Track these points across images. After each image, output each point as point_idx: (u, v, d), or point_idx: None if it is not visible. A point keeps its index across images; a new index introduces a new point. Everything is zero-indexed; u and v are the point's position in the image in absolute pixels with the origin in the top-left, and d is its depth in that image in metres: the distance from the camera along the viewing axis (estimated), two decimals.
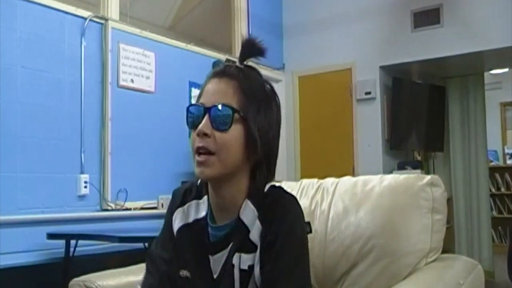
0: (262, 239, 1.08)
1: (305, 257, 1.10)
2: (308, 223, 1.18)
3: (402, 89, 5.41)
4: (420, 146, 5.71)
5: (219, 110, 1.08)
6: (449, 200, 5.57)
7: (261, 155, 1.12)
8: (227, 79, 1.11)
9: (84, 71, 3.59)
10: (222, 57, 4.74)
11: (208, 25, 5.14)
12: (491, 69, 6.39)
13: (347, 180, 1.62)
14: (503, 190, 7.90)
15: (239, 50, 1.18)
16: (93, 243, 3.29)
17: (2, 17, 3.16)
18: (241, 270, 1.10)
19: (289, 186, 1.70)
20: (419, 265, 1.42)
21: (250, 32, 5.23)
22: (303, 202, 1.58)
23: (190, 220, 1.22)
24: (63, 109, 3.47)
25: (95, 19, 3.70)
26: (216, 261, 1.14)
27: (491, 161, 7.78)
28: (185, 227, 1.22)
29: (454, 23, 4.85)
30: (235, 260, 1.11)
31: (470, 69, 5.70)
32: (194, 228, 1.20)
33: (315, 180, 1.68)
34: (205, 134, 1.08)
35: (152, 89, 4.04)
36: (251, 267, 1.09)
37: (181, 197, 1.26)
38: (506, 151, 8.35)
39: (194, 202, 1.24)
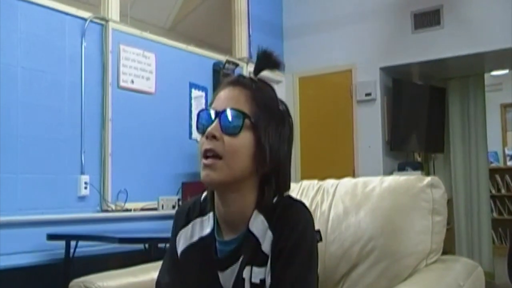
0: (273, 249, 1.06)
1: (314, 267, 1.08)
2: (318, 231, 1.16)
3: (403, 90, 5.42)
4: (420, 147, 5.71)
5: (230, 114, 1.06)
6: (450, 202, 5.57)
7: (270, 167, 1.09)
8: (240, 88, 1.11)
9: (84, 72, 3.59)
10: (223, 58, 4.74)
11: (208, 26, 5.14)
12: (491, 71, 6.40)
13: (347, 181, 1.62)
14: (503, 191, 7.90)
15: (255, 62, 1.18)
16: (93, 244, 3.29)
17: (3, 18, 3.17)
18: (252, 284, 1.07)
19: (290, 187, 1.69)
20: (420, 267, 1.42)
21: (250, 34, 5.24)
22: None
23: (195, 239, 1.18)
24: (64, 110, 3.47)
25: (95, 20, 3.71)
26: (227, 277, 1.11)
27: (492, 163, 7.78)
28: (189, 248, 1.18)
29: (454, 24, 4.85)
30: (245, 273, 1.08)
31: (471, 70, 5.71)
32: (199, 246, 1.17)
33: (315, 181, 1.68)
34: (214, 137, 1.06)
35: (152, 90, 4.04)
36: (263, 281, 1.06)
37: (185, 217, 1.23)
38: (507, 152, 8.35)
39: (198, 220, 1.20)
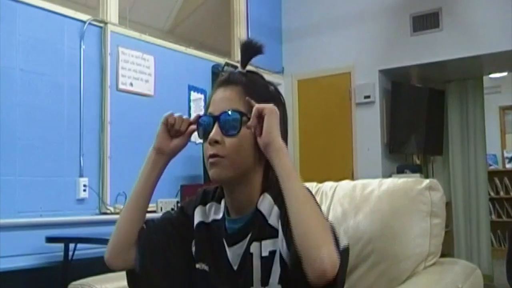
0: (281, 220, 1.09)
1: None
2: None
3: (401, 93, 5.42)
4: (419, 150, 5.72)
5: (227, 116, 1.12)
6: (448, 204, 5.57)
7: None
8: (232, 86, 1.16)
9: (83, 75, 3.59)
10: (222, 60, 4.74)
11: (207, 28, 5.15)
12: (490, 73, 6.41)
13: (346, 184, 1.62)
14: (502, 194, 7.90)
15: (240, 56, 1.23)
16: (92, 246, 3.28)
17: (2, 21, 3.17)
18: (262, 258, 1.11)
19: None
20: (418, 269, 1.43)
21: (249, 36, 5.24)
22: None
23: (209, 219, 1.25)
24: (62, 113, 3.47)
25: (94, 22, 3.71)
26: (235, 253, 1.16)
27: (490, 165, 7.79)
28: (203, 224, 1.25)
29: (453, 27, 4.86)
30: (253, 249, 1.12)
31: (469, 73, 5.72)
32: (212, 227, 1.24)
33: (314, 184, 1.68)
34: (216, 142, 1.12)
35: (151, 92, 4.05)
36: (272, 253, 1.10)
37: (201, 196, 1.30)
38: (505, 155, 8.36)
39: (214, 204, 1.27)
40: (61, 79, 3.48)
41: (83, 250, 3.25)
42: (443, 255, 1.54)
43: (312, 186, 1.67)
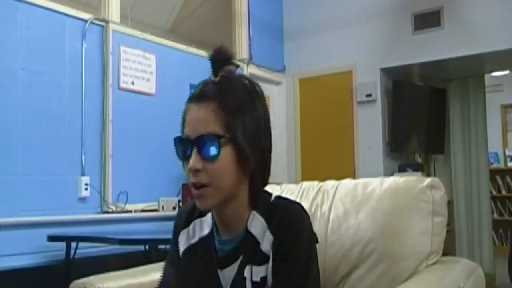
0: (274, 250, 1.09)
1: (315, 269, 1.12)
2: (315, 233, 1.18)
3: (403, 91, 5.42)
4: (420, 148, 5.71)
5: (205, 141, 1.07)
6: (450, 203, 5.57)
7: (255, 161, 1.11)
8: (205, 103, 1.10)
9: (84, 73, 3.59)
10: None
11: (208, 27, 5.14)
12: (491, 71, 6.39)
13: (347, 182, 1.62)
14: (504, 192, 7.89)
15: (210, 63, 1.17)
16: (94, 245, 3.29)
17: (3, 19, 3.17)
18: (253, 283, 1.11)
19: (290, 189, 1.70)
20: (419, 268, 1.42)
21: (250, 35, 5.24)
22: (304, 205, 1.58)
23: (196, 239, 1.23)
24: (64, 111, 3.47)
25: (95, 21, 3.71)
26: (226, 275, 1.14)
27: (492, 163, 7.77)
28: (190, 248, 1.22)
29: (454, 25, 4.85)
30: (246, 272, 1.11)
31: (471, 71, 5.71)
32: (199, 246, 1.21)
33: (316, 182, 1.68)
34: (197, 170, 1.08)
35: (152, 91, 4.05)
36: (264, 279, 1.10)
37: (185, 217, 1.27)
38: (507, 153, 8.34)
39: (198, 220, 1.25)
40: (62, 78, 3.48)
41: (85, 249, 3.26)
42: (444, 253, 1.54)
43: (314, 184, 1.67)
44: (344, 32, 5.39)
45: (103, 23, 3.77)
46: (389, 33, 5.18)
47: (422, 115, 5.59)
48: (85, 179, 3.52)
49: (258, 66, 5.30)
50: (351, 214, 1.49)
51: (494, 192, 7.62)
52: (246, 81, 1.17)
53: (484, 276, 1.57)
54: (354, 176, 4.96)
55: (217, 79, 1.14)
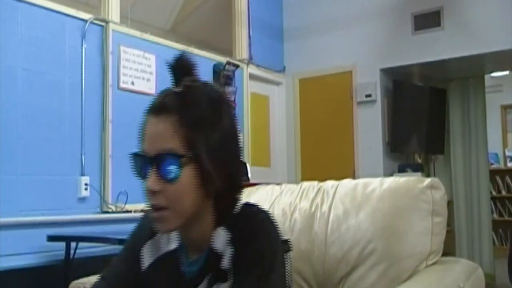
0: (234, 263, 1.02)
1: (275, 280, 1.02)
2: (287, 241, 1.14)
3: (403, 91, 5.42)
4: (420, 148, 5.71)
5: (163, 160, 0.98)
6: (450, 203, 5.56)
7: (220, 179, 1.02)
8: (164, 116, 0.99)
9: (84, 73, 3.59)
10: (223, 59, 4.74)
11: (209, 27, 5.14)
12: (491, 72, 6.40)
13: (347, 182, 1.62)
14: (503, 192, 7.89)
15: (170, 72, 1.06)
16: (94, 245, 3.29)
17: (3, 20, 3.17)
18: None
19: (290, 189, 1.70)
20: (419, 268, 1.42)
21: (250, 35, 5.24)
22: (304, 205, 1.58)
23: (161, 252, 1.13)
24: (64, 111, 3.47)
25: (95, 21, 3.71)
26: None
27: (492, 164, 7.77)
28: (157, 262, 1.13)
29: (454, 25, 4.85)
30: None
31: (471, 71, 5.71)
32: (166, 262, 1.12)
33: (315, 182, 1.68)
34: (155, 192, 0.99)
35: (152, 91, 4.05)
36: None
37: (150, 228, 1.13)
38: (507, 153, 8.35)
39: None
40: (62, 77, 3.48)
41: (85, 249, 3.26)
42: (444, 254, 1.54)
43: (314, 185, 1.67)
44: (344, 32, 5.39)
45: (103, 23, 3.77)
46: (389, 33, 5.18)
47: (422, 115, 5.59)
48: (85, 179, 3.52)
49: (258, 66, 5.30)
50: (351, 214, 1.49)
51: (494, 193, 7.62)
52: (211, 90, 1.05)
53: (484, 277, 1.57)
54: (354, 177, 4.96)
55: (179, 89, 1.02)
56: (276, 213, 1.60)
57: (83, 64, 3.59)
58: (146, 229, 1.15)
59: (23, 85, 3.25)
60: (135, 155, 1.04)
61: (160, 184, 0.98)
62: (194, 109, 1.00)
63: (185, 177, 0.98)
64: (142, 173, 1.02)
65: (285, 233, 1.55)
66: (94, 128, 3.64)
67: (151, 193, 0.99)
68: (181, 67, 1.05)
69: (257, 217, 1.05)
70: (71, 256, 3.15)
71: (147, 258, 1.13)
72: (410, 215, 1.46)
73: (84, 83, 3.58)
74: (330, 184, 1.63)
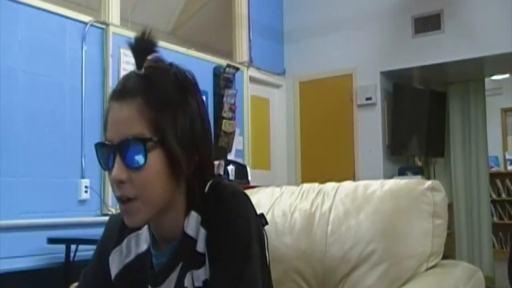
0: (207, 246, 0.96)
1: (254, 257, 0.96)
2: (262, 215, 1.05)
3: (403, 94, 5.42)
4: (420, 151, 5.71)
5: (128, 146, 0.91)
6: (450, 206, 5.56)
7: (192, 166, 0.97)
8: (128, 100, 0.93)
9: (85, 76, 3.60)
10: (223, 62, 4.75)
11: (209, 30, 5.15)
12: (491, 75, 6.42)
13: (348, 184, 1.62)
14: (503, 196, 7.90)
15: (132, 54, 1.00)
16: (94, 248, 3.28)
17: (4, 22, 3.18)
18: None
19: (290, 190, 1.69)
20: (420, 270, 1.42)
21: (251, 38, 5.25)
22: (304, 205, 1.58)
23: (131, 257, 1.07)
24: (64, 114, 3.48)
25: (96, 24, 3.72)
26: None
27: (492, 167, 7.78)
28: (126, 268, 1.06)
29: (454, 29, 4.86)
30: (187, 281, 0.97)
31: (471, 75, 5.72)
32: (136, 265, 1.05)
33: (316, 184, 1.68)
34: (121, 181, 0.93)
35: None
36: (205, 282, 0.97)
37: (117, 233, 1.09)
38: (507, 157, 8.35)
39: (133, 235, 1.08)
40: (62, 80, 3.49)
41: (85, 252, 3.25)
42: (444, 257, 1.54)
43: (314, 186, 1.67)
44: (344, 35, 5.40)
45: (103, 26, 3.78)
46: (389, 36, 5.19)
47: (422, 118, 5.60)
48: (85, 182, 3.52)
49: (258, 69, 5.30)
50: (351, 214, 1.49)
51: (494, 196, 7.62)
52: (176, 71, 1.01)
53: (484, 280, 1.57)
54: (354, 179, 4.94)
55: (142, 71, 0.97)
56: (276, 214, 1.60)
57: (84, 67, 3.60)
58: (112, 234, 1.10)
59: (23, 87, 3.25)
60: (99, 145, 0.96)
61: (126, 173, 0.92)
62: (158, 90, 0.95)
63: (152, 163, 0.92)
64: (107, 164, 0.95)
65: (285, 233, 1.55)
66: (94, 131, 3.64)
67: (118, 184, 0.93)
68: (142, 47, 1.00)
69: (226, 193, 0.99)
70: (71, 258, 3.15)
71: (114, 267, 1.08)
72: (410, 216, 1.46)
73: (84, 85, 3.59)
74: (330, 185, 1.63)
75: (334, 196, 1.56)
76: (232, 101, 4.79)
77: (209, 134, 1.01)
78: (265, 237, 1.04)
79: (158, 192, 0.94)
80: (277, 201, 1.64)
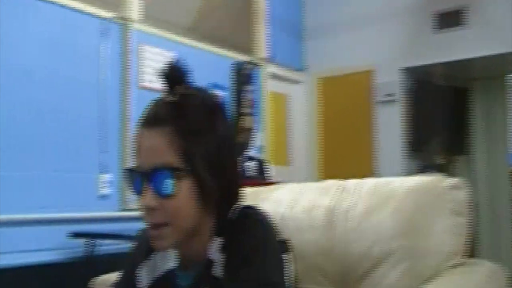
0: (225, 270, 0.97)
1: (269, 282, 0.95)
2: (284, 242, 1.04)
3: (424, 91, 5.37)
4: (442, 149, 5.64)
5: (158, 176, 0.93)
6: (472, 204, 5.49)
7: (221, 190, 0.99)
8: (159, 128, 0.95)
9: (104, 72, 3.62)
10: (243, 58, 4.74)
11: (229, 26, 5.14)
12: None
13: (369, 181, 1.61)
14: None
15: (163, 80, 1.01)
16: (114, 242, 3.31)
17: (22, 18, 3.21)
18: None
19: (311, 187, 1.68)
20: (442, 268, 1.40)
21: (270, 33, 5.23)
22: (325, 202, 1.57)
23: (158, 272, 1.08)
24: (84, 110, 3.50)
25: (116, 19, 3.73)
26: None
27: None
28: (156, 283, 1.07)
29: (477, 24, 4.79)
30: None
31: (494, 71, 5.63)
32: (163, 282, 1.07)
33: (337, 180, 1.67)
34: (152, 209, 0.95)
35: None
36: None
37: (145, 248, 1.09)
38: None
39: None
40: (82, 76, 3.51)
41: (105, 246, 3.28)
42: (467, 255, 1.51)
43: (336, 182, 1.65)
44: (365, 31, 5.36)
45: (123, 22, 3.79)
46: (411, 32, 5.14)
47: (444, 115, 5.53)
48: (106, 177, 3.54)
49: (278, 64, 5.28)
50: (373, 212, 1.47)
51: None
52: (205, 96, 1.03)
53: (507, 279, 1.54)
54: (373, 177, 4.92)
55: (172, 98, 0.98)
56: (296, 210, 1.59)
57: (103, 62, 3.62)
58: (142, 247, 1.11)
59: (43, 83, 3.29)
60: (129, 170, 0.99)
61: (156, 200, 0.94)
62: (189, 119, 0.96)
63: (182, 191, 0.94)
64: (137, 190, 0.97)
65: (305, 229, 1.54)
66: (114, 127, 3.67)
67: (148, 211, 0.95)
68: (173, 75, 1.00)
69: (250, 221, 1.00)
70: (92, 253, 3.18)
71: (143, 280, 1.09)
72: (433, 214, 1.44)
73: (104, 81, 3.61)
74: (352, 182, 1.62)
75: (356, 192, 1.54)
76: (251, 97, 4.78)
77: (236, 157, 1.03)
78: (290, 265, 1.03)
79: (188, 218, 0.96)
80: (298, 197, 1.63)
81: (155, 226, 0.96)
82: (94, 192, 3.52)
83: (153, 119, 0.97)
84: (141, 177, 0.95)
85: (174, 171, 0.93)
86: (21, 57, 3.18)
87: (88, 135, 3.52)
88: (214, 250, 0.99)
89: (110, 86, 3.67)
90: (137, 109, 3.77)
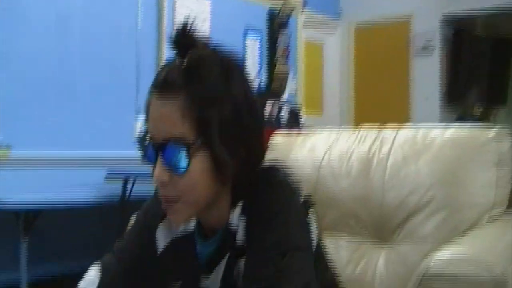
0: (246, 236, 0.93)
1: (301, 261, 0.90)
2: (307, 200, 0.99)
3: (464, 41, 5.20)
4: (481, 99, 5.49)
5: (170, 151, 0.87)
6: None
7: (239, 162, 0.91)
8: (171, 96, 0.87)
9: (140, 19, 3.63)
10: (277, 3, 4.65)
11: None
12: None
13: (407, 129, 1.57)
14: None
15: (173, 48, 0.92)
16: (149, 185, 3.37)
17: None
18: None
19: (347, 134, 1.66)
20: (480, 221, 1.37)
21: None
22: (361, 150, 1.55)
23: (178, 234, 1.04)
24: (120, 55, 3.55)
25: None
26: (213, 280, 0.99)
27: None
28: (171, 245, 1.04)
29: None
30: (235, 271, 0.95)
31: None
32: (181, 245, 1.03)
33: (374, 128, 1.64)
34: (163, 182, 0.89)
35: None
36: None
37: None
38: None
39: None
40: (118, 23, 3.55)
41: (141, 188, 3.34)
42: (508, 208, 1.48)
43: (372, 130, 1.62)
44: None
45: None
46: None
47: (484, 66, 5.36)
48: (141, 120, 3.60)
49: (313, 10, 5.16)
50: (410, 160, 1.45)
51: None
52: (220, 57, 0.92)
53: None
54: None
55: (185, 64, 0.89)
56: (332, 158, 1.58)
57: (139, 9, 3.62)
58: (160, 206, 1.00)
59: (80, 31, 3.34)
60: (141, 138, 0.92)
61: (168, 175, 0.88)
62: (203, 85, 0.87)
63: (196, 167, 0.87)
64: (149, 158, 0.91)
65: (342, 177, 1.53)
66: (150, 72, 3.69)
67: (160, 184, 0.90)
68: (184, 42, 0.90)
69: (270, 182, 0.94)
70: (127, 195, 3.25)
71: (161, 240, 1.04)
72: (473, 165, 1.40)
73: (139, 28, 3.62)
74: (389, 130, 1.58)
75: (393, 141, 1.52)
76: (286, 45, 4.71)
77: (258, 120, 0.94)
78: (315, 223, 0.99)
79: (201, 193, 0.91)
80: (334, 145, 1.61)
81: (167, 200, 0.91)
82: (131, 135, 3.57)
83: (164, 85, 0.88)
84: (152, 148, 0.89)
85: (186, 146, 0.86)
86: (59, 6, 3.22)
87: (125, 78, 3.59)
88: (235, 216, 0.95)
89: (147, 32, 3.69)
90: (171, 56, 3.77)
